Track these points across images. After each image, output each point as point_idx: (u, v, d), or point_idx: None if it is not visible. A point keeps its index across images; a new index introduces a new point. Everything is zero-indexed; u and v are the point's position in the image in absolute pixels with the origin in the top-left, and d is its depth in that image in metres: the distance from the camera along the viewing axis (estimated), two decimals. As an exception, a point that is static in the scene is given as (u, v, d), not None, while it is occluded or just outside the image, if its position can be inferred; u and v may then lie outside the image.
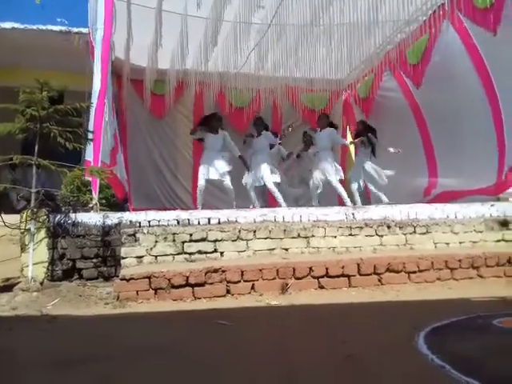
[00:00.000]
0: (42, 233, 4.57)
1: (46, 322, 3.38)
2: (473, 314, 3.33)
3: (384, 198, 7.46)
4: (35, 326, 3.32)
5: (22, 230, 4.54)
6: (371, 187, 7.84)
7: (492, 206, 5.60)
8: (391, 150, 7.55)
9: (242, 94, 9.62)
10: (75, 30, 9.12)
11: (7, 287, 4.26)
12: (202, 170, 7.22)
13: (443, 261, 4.55)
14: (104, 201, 5.63)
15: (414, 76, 7.72)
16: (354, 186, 7.93)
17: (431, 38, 7.08)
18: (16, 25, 8.96)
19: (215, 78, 9.30)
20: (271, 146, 7.68)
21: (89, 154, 5.69)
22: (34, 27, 9.09)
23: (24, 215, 4.57)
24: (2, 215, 4.63)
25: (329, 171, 7.45)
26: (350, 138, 10.34)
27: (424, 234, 5.14)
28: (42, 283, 4.25)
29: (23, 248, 4.49)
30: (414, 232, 5.13)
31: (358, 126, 8.28)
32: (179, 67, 8.66)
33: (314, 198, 7.74)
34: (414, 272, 4.47)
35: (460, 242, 5.18)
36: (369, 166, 7.80)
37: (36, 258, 4.36)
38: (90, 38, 7.06)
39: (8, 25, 8.90)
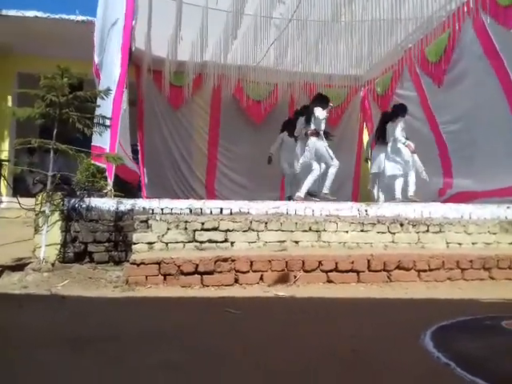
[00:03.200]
0: (56, 215, 4.63)
1: (56, 302, 3.43)
2: (481, 314, 3.28)
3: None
4: (45, 304, 3.38)
5: (37, 212, 4.61)
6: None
7: (508, 208, 5.51)
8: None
9: (259, 87, 9.64)
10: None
11: (19, 267, 4.32)
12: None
13: (454, 261, 4.50)
14: (117, 187, 5.69)
15: (436, 74, 7.61)
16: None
17: (453, 35, 6.98)
18: (39, 14, 9.05)
19: (234, 70, 9.32)
20: None
21: (96, 140, 5.75)
22: (57, 16, 9.18)
23: (39, 198, 4.65)
24: (18, 198, 4.72)
25: None
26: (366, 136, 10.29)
27: (437, 233, 5.09)
28: (53, 264, 4.30)
29: (37, 229, 4.57)
30: (427, 231, 5.08)
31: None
32: (198, 59, 8.69)
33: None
34: (425, 270, 4.43)
35: (473, 243, 5.12)
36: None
37: (49, 240, 4.42)
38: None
39: (31, 13, 9.01)
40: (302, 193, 6.57)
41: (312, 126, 6.66)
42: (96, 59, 7.31)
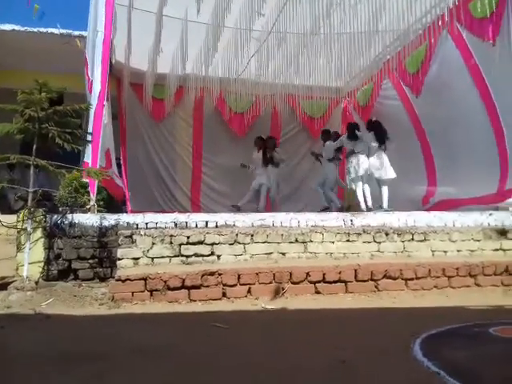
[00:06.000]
0: (39, 233, 4.54)
1: (40, 321, 3.36)
2: (469, 322, 3.32)
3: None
4: (28, 324, 3.30)
5: (19, 230, 4.51)
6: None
7: (491, 215, 5.59)
8: None
9: (241, 99, 9.66)
10: (76, 33, 9.11)
11: (2, 286, 4.21)
12: None
13: (441, 269, 4.54)
14: (102, 202, 5.60)
15: (414, 85, 7.76)
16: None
17: (430, 47, 7.13)
18: (16, 27, 8.96)
19: (215, 83, 9.33)
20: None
21: (87, 156, 5.69)
22: (35, 30, 9.09)
23: (21, 215, 4.55)
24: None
25: None
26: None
27: (422, 241, 5.12)
28: (37, 282, 4.21)
29: (19, 247, 4.47)
30: (412, 239, 5.11)
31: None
32: (179, 72, 8.68)
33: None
34: (412, 279, 4.45)
35: (458, 251, 5.16)
36: None
37: (32, 258, 4.32)
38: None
39: (8, 27, 8.90)
40: None
41: None
42: (90, 75, 7.22)
